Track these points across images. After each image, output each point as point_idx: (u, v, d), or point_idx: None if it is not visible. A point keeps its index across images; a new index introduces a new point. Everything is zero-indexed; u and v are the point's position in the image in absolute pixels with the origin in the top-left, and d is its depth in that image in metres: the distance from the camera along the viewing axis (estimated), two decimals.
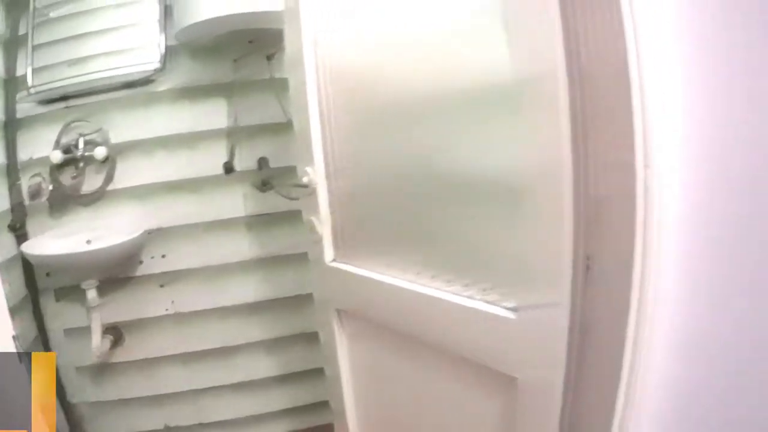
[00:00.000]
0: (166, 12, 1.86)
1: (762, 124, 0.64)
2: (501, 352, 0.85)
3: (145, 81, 1.88)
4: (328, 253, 1.23)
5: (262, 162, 1.96)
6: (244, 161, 1.95)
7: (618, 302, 0.71)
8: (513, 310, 0.82)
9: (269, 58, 1.89)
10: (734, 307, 0.69)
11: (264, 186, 1.96)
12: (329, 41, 1.16)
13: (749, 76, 0.64)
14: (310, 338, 1.90)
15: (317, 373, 1.46)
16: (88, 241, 1.78)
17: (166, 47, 1.86)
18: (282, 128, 1.87)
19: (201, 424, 2.07)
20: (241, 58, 1.90)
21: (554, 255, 0.75)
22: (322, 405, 1.85)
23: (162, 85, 1.88)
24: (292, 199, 1.78)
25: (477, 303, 0.87)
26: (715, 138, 0.68)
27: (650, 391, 0.75)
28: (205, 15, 1.62)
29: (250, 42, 1.83)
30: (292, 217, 1.90)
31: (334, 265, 1.22)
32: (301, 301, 1.99)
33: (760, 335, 0.68)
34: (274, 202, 1.93)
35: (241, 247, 1.98)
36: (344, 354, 1.27)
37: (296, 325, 2.03)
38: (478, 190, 0.88)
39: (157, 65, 1.86)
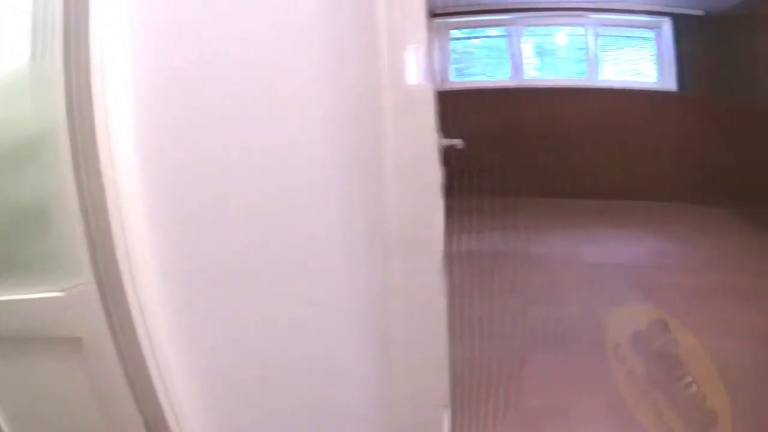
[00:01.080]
0: None
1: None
2: (64, 322, 1.15)
3: None
4: None
5: None
6: None
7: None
8: (61, 290, 1.14)
9: None
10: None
11: None
12: None
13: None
14: None
15: None
16: None
17: None
18: None
19: None
20: None
21: (73, 245, 1.09)
22: None
23: None
24: None
25: (36, 295, 1.17)
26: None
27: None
28: None
29: None
30: None
31: None
32: None
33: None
34: None
35: None
36: None
37: None
38: (24, 217, 1.20)
39: None
